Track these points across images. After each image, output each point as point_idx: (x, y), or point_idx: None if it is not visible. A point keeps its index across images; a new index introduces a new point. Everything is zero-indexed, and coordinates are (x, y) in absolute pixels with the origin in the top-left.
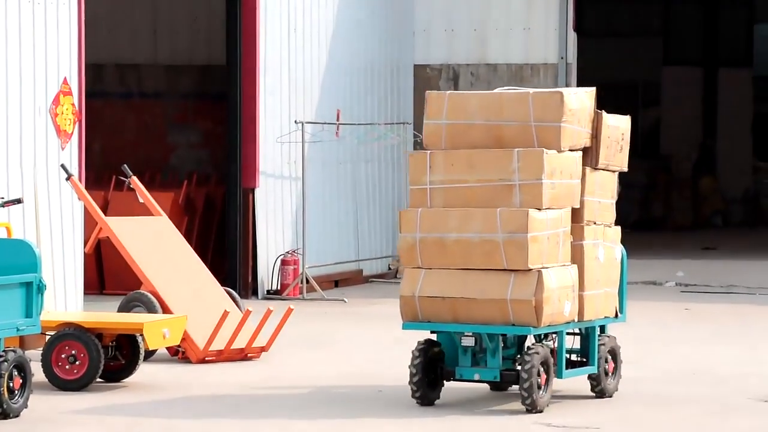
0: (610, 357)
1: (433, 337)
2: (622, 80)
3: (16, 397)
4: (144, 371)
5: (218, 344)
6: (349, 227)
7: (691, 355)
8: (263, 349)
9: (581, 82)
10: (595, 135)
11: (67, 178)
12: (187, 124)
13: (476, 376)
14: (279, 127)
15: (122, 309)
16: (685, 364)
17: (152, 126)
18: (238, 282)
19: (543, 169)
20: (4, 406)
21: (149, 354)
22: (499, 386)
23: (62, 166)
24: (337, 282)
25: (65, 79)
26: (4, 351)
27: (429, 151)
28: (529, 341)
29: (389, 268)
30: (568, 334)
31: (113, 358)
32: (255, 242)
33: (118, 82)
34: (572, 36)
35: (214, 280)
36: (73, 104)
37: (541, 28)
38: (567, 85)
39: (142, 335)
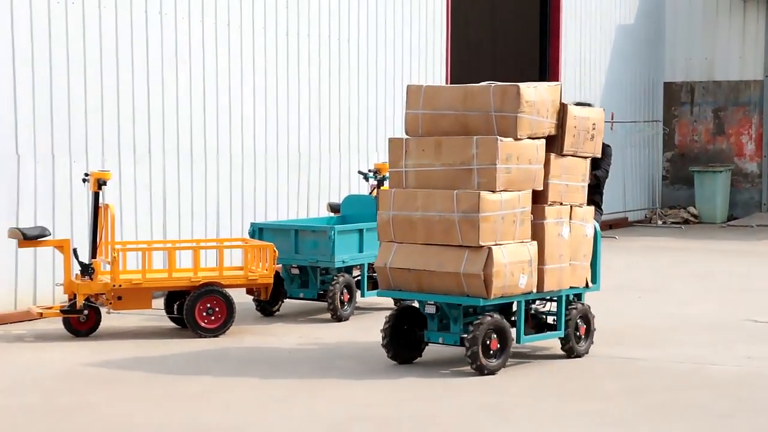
0: (581, 322)
1: (415, 304)
2: None
3: None
4: None
5: None
6: (619, 189)
7: None
8: None
9: None
10: (561, 125)
11: None
12: None
13: (440, 340)
14: None
15: None
16: None
17: None
18: None
19: (497, 155)
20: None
21: None
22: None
23: None
24: (610, 225)
25: None
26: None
27: (405, 138)
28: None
29: (645, 217)
30: (546, 300)
31: None
32: None
33: None
34: None
35: None
36: None
37: (752, 56)
38: None
39: None
